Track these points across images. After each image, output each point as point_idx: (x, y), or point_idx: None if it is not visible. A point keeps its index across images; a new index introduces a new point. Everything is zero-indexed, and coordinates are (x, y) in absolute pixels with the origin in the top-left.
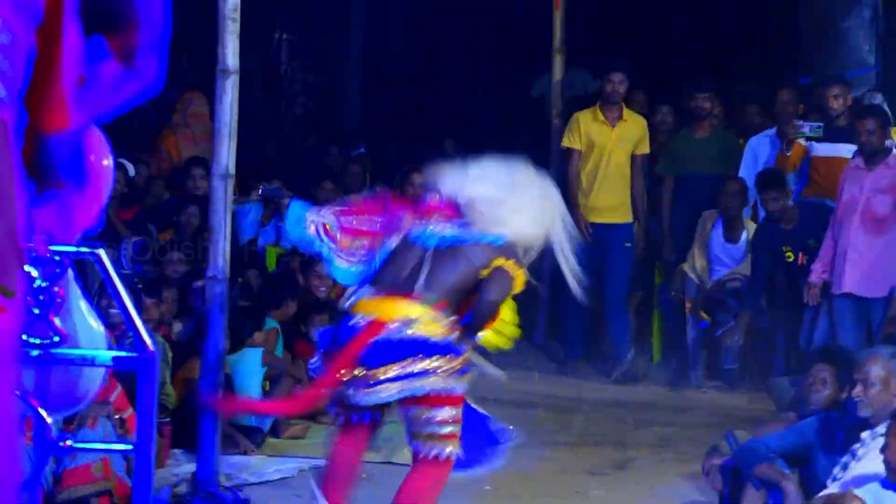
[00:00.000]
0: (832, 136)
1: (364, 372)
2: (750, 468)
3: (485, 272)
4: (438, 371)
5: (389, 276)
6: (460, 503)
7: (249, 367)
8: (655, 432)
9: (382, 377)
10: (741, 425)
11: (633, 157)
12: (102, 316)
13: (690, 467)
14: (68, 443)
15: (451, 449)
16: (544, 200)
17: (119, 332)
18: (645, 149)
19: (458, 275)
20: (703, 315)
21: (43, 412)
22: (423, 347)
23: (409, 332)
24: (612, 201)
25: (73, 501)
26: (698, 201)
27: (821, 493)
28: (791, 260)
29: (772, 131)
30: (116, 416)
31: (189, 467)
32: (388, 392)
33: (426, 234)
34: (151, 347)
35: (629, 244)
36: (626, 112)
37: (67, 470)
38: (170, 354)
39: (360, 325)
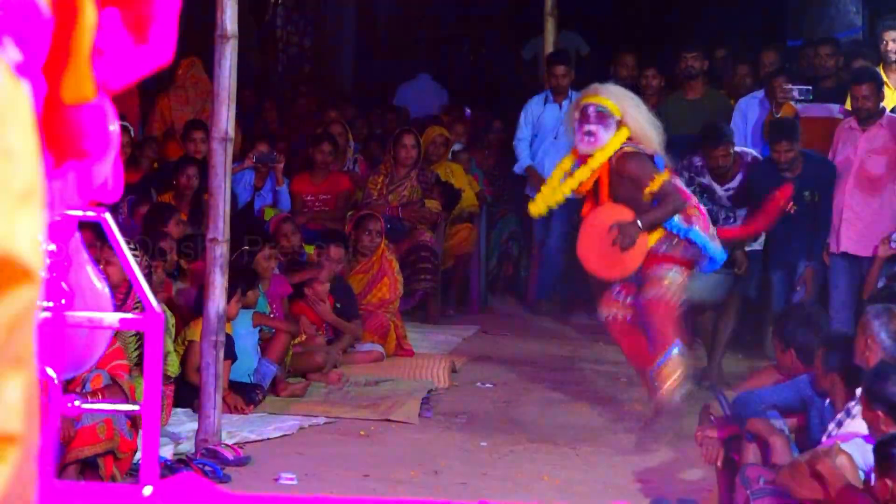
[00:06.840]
0: (821, 96)
1: None
2: (743, 422)
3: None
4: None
5: None
6: (455, 458)
7: (246, 327)
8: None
9: None
10: (734, 383)
11: None
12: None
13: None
14: (77, 404)
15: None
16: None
17: (121, 293)
18: None
19: None
20: None
21: (53, 374)
22: None
23: None
24: None
25: (80, 462)
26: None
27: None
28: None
29: (760, 93)
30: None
31: (191, 426)
32: None
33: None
34: (157, 309)
35: None
36: None
37: (74, 431)
38: (172, 321)
39: None
